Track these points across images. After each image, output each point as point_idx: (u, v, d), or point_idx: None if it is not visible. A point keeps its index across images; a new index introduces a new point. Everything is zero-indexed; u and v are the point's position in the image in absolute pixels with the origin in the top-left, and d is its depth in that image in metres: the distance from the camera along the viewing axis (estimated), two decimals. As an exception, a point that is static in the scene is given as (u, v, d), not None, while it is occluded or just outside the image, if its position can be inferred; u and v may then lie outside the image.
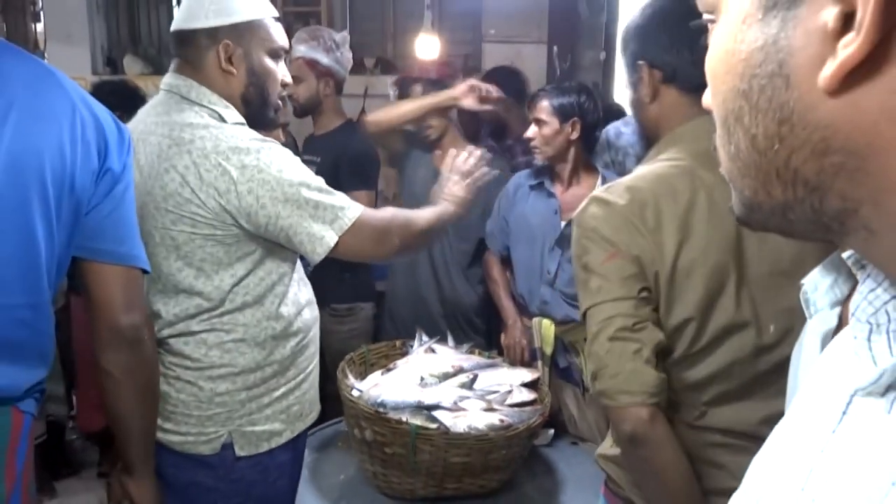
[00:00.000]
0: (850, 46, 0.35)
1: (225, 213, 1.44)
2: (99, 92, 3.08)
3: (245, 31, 1.53)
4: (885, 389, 0.39)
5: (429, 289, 2.70)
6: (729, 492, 0.51)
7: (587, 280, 1.22)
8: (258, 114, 1.59)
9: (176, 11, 1.76)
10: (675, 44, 1.22)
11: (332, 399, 1.82)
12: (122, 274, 1.32)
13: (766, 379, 1.22)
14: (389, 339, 2.56)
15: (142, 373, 1.39)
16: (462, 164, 1.81)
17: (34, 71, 1.26)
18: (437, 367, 1.99)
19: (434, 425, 1.76)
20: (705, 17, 0.46)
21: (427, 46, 3.59)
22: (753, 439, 1.13)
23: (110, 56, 5.23)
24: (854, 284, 0.46)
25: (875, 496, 0.37)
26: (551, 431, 2.17)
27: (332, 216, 1.47)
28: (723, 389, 1.24)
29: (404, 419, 1.75)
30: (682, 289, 1.20)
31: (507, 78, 3.17)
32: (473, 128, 3.44)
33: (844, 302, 0.49)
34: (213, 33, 1.51)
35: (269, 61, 1.57)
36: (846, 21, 0.35)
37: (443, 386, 1.92)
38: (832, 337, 0.50)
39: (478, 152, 1.84)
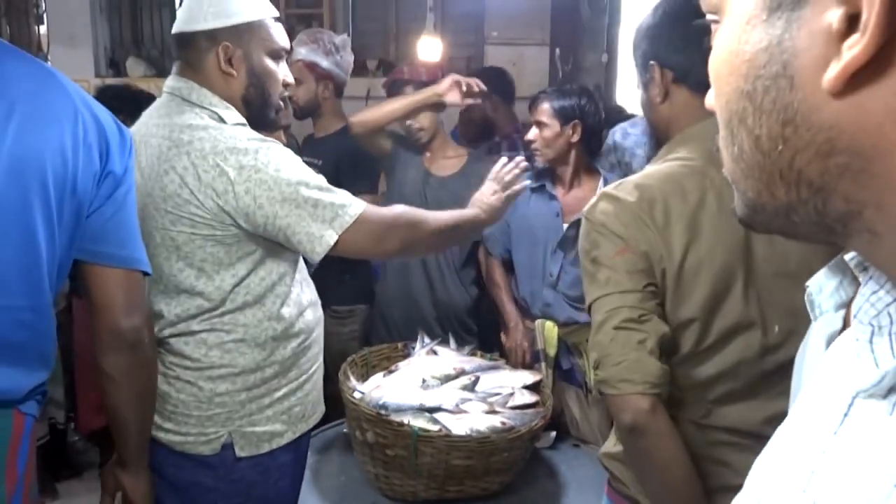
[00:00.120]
0: (855, 48, 0.35)
1: (223, 213, 1.44)
2: (102, 96, 3.09)
3: (244, 33, 1.53)
4: (886, 392, 0.39)
5: (421, 290, 2.67)
6: (734, 489, 0.51)
7: (595, 272, 1.23)
8: (259, 115, 1.59)
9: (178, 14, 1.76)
10: (687, 44, 1.22)
11: (332, 400, 1.82)
12: (124, 277, 1.32)
13: (770, 379, 1.23)
14: (380, 341, 2.56)
15: (141, 375, 1.39)
16: (503, 173, 1.79)
17: (36, 73, 1.26)
18: (438, 369, 1.98)
19: (436, 427, 1.76)
20: (709, 17, 0.46)
21: (429, 48, 3.59)
22: (758, 438, 1.12)
23: (113, 58, 5.24)
24: (859, 287, 0.46)
25: (877, 498, 0.37)
26: (553, 434, 2.16)
27: (331, 214, 1.46)
28: (729, 388, 1.25)
29: (406, 421, 1.75)
30: (688, 287, 1.21)
31: (494, 77, 3.17)
32: (474, 130, 3.45)
33: (849, 304, 0.49)
34: (213, 35, 1.52)
35: (269, 62, 1.57)
36: (851, 22, 0.35)
37: (444, 388, 1.92)
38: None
39: (523, 163, 1.81)
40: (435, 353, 2.14)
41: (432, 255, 2.63)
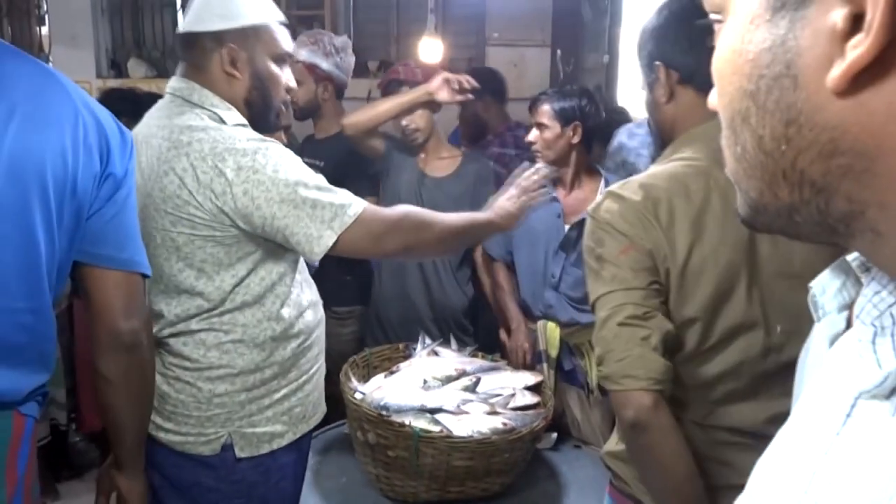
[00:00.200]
0: (860, 47, 0.35)
1: (222, 214, 1.44)
2: (108, 98, 3.09)
3: (250, 36, 1.54)
4: (889, 392, 0.39)
5: (418, 291, 2.67)
6: (736, 488, 0.51)
7: (600, 270, 1.24)
8: (261, 117, 1.59)
9: (180, 15, 1.77)
10: (693, 44, 1.22)
11: (332, 401, 1.82)
12: (123, 279, 1.32)
13: (772, 379, 1.23)
14: (376, 342, 2.55)
15: (138, 378, 1.39)
16: (524, 180, 1.76)
17: (37, 74, 1.25)
18: (439, 370, 1.98)
19: (437, 428, 1.75)
20: (712, 17, 0.46)
21: (430, 50, 3.59)
22: (760, 438, 1.13)
23: (115, 59, 5.24)
24: (862, 288, 0.46)
25: (880, 499, 0.37)
26: (554, 435, 2.16)
27: (331, 214, 1.46)
28: (731, 388, 1.25)
29: (407, 422, 1.74)
30: (692, 287, 1.21)
31: (486, 77, 3.18)
32: (475, 130, 3.46)
33: (852, 305, 0.49)
34: (219, 37, 1.52)
35: (273, 66, 1.58)
36: (855, 22, 0.35)
37: (446, 389, 1.92)
38: None
39: (545, 170, 1.78)
40: (436, 353, 2.14)
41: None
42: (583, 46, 4.39)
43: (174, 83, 1.57)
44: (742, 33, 0.40)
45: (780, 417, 0.50)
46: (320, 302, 1.70)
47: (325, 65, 2.70)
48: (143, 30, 5.33)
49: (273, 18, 1.58)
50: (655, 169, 1.30)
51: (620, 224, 1.23)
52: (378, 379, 2.00)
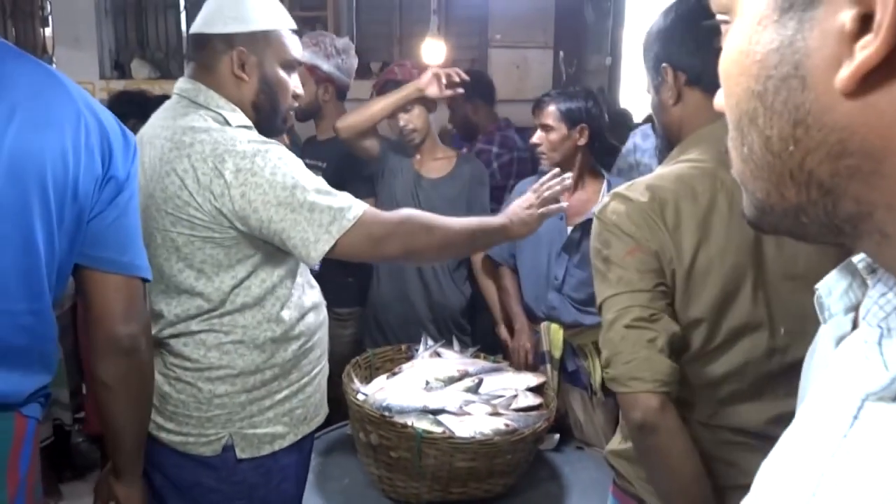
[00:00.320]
0: (868, 48, 0.34)
1: (221, 215, 1.44)
2: (116, 101, 3.10)
3: (261, 41, 1.54)
4: None
5: (417, 292, 2.66)
6: (742, 488, 0.51)
7: (606, 272, 1.24)
8: (267, 121, 1.60)
9: (184, 16, 1.76)
10: (700, 46, 1.22)
11: (334, 402, 1.82)
12: (123, 283, 1.30)
13: (777, 380, 1.23)
14: (374, 343, 2.55)
15: (136, 383, 1.37)
16: (546, 189, 1.70)
17: (39, 75, 1.24)
18: (442, 371, 1.98)
19: (439, 429, 1.75)
20: (719, 17, 0.46)
21: (433, 51, 3.60)
22: (764, 438, 1.13)
23: (118, 60, 5.26)
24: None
25: (888, 502, 0.36)
26: (557, 436, 2.16)
27: (329, 218, 1.44)
28: (735, 388, 1.25)
29: (410, 423, 1.74)
30: (698, 288, 1.22)
31: (474, 80, 3.19)
32: (465, 132, 3.49)
33: (859, 307, 0.49)
34: (229, 39, 1.53)
35: (281, 72, 1.58)
36: (864, 23, 0.35)
37: (448, 390, 1.92)
38: None
39: (568, 180, 1.72)
40: (438, 354, 2.15)
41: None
42: (585, 48, 4.40)
43: (181, 84, 1.57)
44: (749, 34, 0.40)
45: (785, 418, 0.50)
46: (324, 304, 1.69)
47: (325, 66, 2.70)
48: (147, 31, 5.34)
49: (284, 25, 1.59)
50: (662, 170, 1.30)
51: (627, 226, 1.23)
52: (380, 380, 2.00)
